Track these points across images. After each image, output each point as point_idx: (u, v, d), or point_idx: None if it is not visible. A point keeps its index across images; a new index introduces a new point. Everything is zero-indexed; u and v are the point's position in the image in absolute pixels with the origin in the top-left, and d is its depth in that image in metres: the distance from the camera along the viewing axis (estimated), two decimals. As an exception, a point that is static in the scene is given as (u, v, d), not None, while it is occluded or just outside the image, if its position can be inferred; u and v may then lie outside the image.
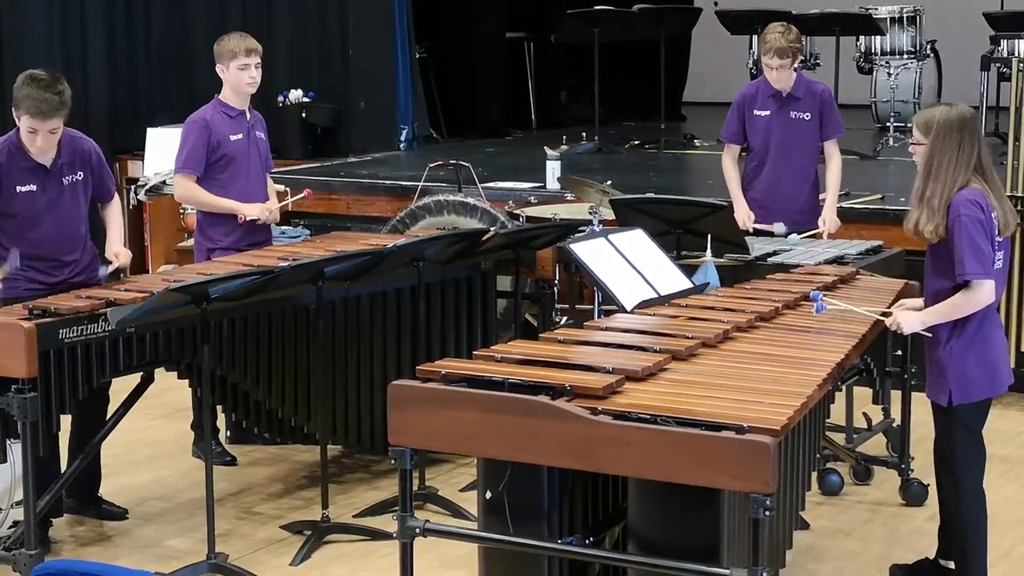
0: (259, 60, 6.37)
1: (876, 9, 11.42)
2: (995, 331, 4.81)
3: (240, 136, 6.35)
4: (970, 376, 4.72)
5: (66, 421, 5.30)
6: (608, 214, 6.52)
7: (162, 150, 9.19)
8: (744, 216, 6.67)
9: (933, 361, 4.80)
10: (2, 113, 9.74)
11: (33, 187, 5.43)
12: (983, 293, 4.61)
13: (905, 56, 11.54)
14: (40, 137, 5.33)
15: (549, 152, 8.83)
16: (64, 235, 5.52)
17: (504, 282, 6.79)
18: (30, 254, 5.43)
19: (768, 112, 6.80)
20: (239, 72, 6.31)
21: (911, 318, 4.73)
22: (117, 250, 5.66)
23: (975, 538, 4.82)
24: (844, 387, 5.94)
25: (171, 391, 6.28)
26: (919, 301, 4.93)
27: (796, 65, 6.74)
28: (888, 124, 11.05)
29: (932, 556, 5.12)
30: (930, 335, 4.74)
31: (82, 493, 5.82)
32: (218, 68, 6.38)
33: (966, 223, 4.57)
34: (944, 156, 4.63)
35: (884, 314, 4.83)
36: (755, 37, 11.36)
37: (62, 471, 5.52)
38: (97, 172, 5.66)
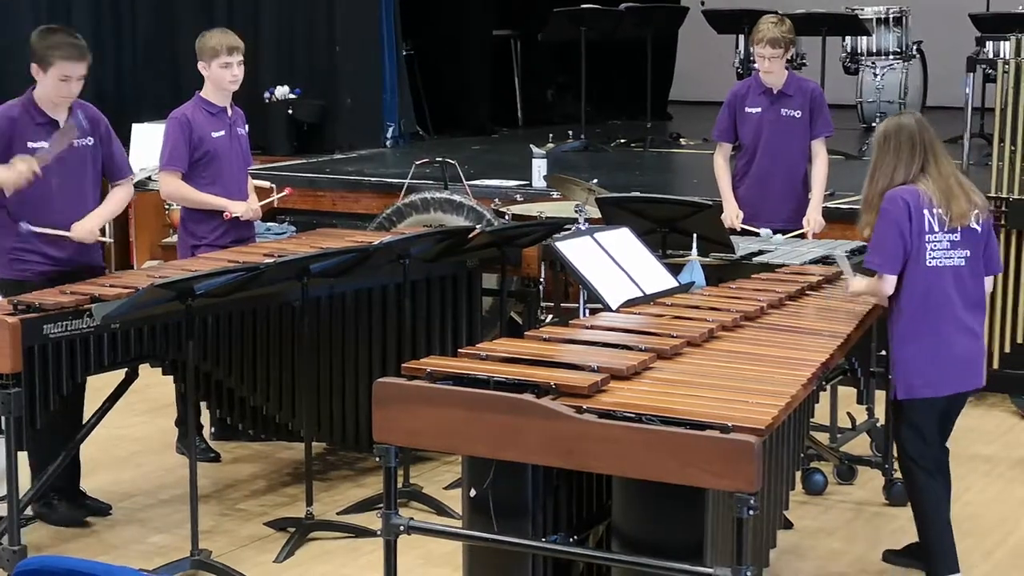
0: (241, 58, 6.35)
1: (862, 10, 11.44)
2: (947, 331, 4.87)
3: (222, 133, 6.34)
4: (912, 372, 4.87)
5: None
6: (594, 212, 6.52)
7: (147, 146, 9.19)
8: (732, 215, 6.69)
9: (891, 357, 4.97)
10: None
11: (44, 143, 5.50)
12: (882, 284, 4.84)
13: (891, 57, 11.57)
14: (73, 83, 5.49)
15: (535, 150, 8.84)
16: (70, 197, 5.60)
17: (490, 280, 6.79)
18: (38, 219, 5.50)
19: (759, 108, 6.82)
20: (221, 70, 6.29)
21: (856, 282, 4.99)
22: (89, 225, 5.64)
23: (932, 529, 4.91)
24: (828, 387, 5.96)
25: (155, 387, 6.27)
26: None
27: (786, 62, 6.76)
28: (874, 124, 11.04)
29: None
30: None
31: (64, 489, 5.81)
32: (200, 65, 6.35)
33: (883, 216, 4.82)
34: (882, 160, 4.89)
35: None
36: (742, 36, 11.38)
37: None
38: (106, 141, 5.78)
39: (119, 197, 5.89)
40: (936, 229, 4.80)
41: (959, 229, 4.84)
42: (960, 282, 4.87)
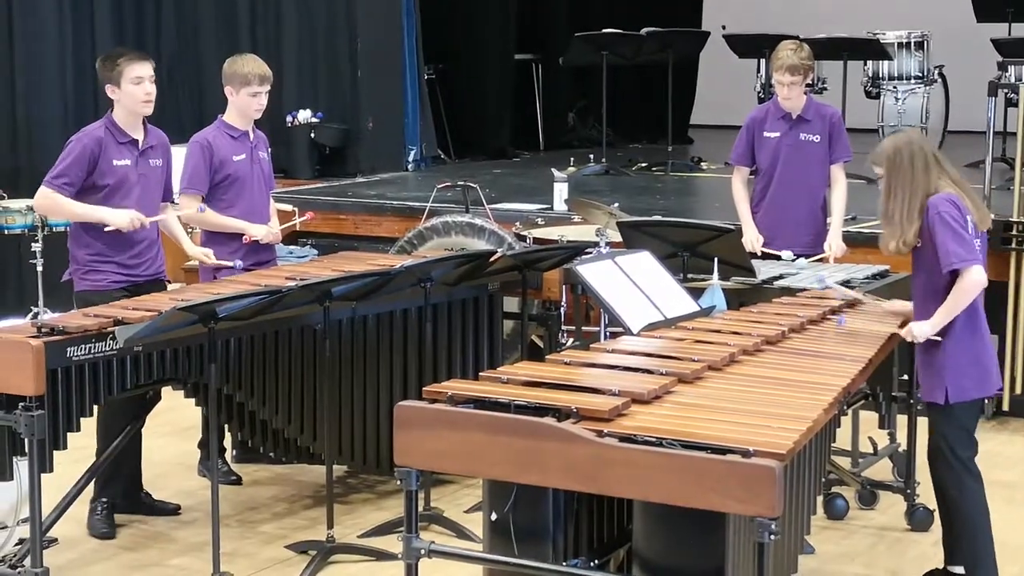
0: (269, 87, 6.41)
1: (883, 34, 11.43)
2: (981, 329, 4.99)
3: (243, 157, 6.38)
4: (965, 374, 4.91)
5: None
6: (615, 236, 6.53)
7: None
8: (752, 239, 6.69)
9: (928, 363, 4.98)
10: (14, 134, 9.84)
11: (127, 161, 5.86)
12: (973, 276, 4.81)
13: (912, 81, 11.55)
14: (147, 83, 5.84)
15: (556, 174, 8.85)
16: (146, 214, 5.88)
17: (511, 303, 6.79)
18: (118, 234, 5.80)
19: (778, 133, 6.82)
20: (249, 99, 6.33)
21: (923, 326, 4.93)
22: (204, 251, 6.23)
23: (982, 530, 4.95)
24: (850, 411, 5.95)
25: (177, 410, 6.29)
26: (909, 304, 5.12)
27: (805, 86, 6.77)
28: (894, 149, 11.04)
29: (941, 566, 5.19)
30: (940, 339, 4.91)
31: (128, 494, 6.04)
32: (227, 89, 6.39)
33: (944, 217, 4.83)
34: (897, 176, 4.94)
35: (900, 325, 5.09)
36: (763, 61, 11.39)
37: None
38: (170, 165, 6.11)
39: (175, 218, 6.27)
40: (972, 233, 4.88)
41: (981, 233, 4.95)
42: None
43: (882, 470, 6.41)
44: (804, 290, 5.78)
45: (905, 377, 5.80)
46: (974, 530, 4.96)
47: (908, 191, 4.90)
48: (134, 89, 5.82)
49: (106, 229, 5.77)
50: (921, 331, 4.93)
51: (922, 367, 5.03)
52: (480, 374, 4.24)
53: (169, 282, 6.25)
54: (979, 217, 4.94)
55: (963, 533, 5.00)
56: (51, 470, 5.04)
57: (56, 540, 5.64)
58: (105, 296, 5.70)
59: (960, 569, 5.06)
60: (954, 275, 4.82)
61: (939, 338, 4.91)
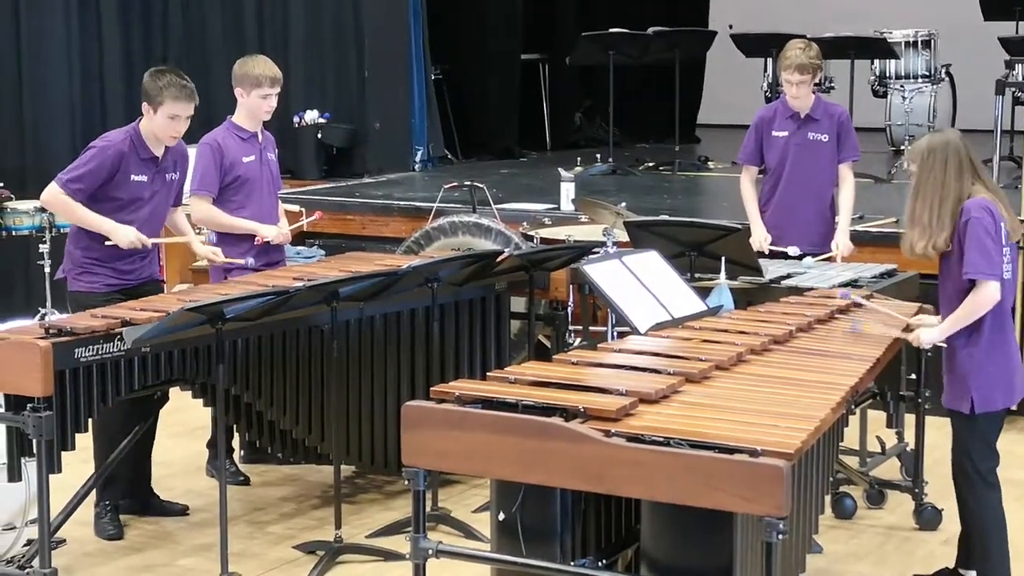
0: (279, 89, 6.41)
1: (891, 33, 11.43)
2: (1010, 340, 4.93)
3: (252, 158, 6.38)
4: (992, 384, 4.85)
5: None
6: (622, 236, 6.52)
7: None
8: (761, 238, 6.68)
9: (953, 371, 4.92)
10: (21, 135, 9.84)
11: (144, 177, 5.84)
12: (989, 291, 4.75)
13: (919, 80, 11.55)
14: (181, 123, 5.81)
15: (563, 173, 8.84)
16: (153, 227, 5.93)
17: (518, 303, 6.80)
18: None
19: (786, 133, 6.82)
20: (260, 100, 6.33)
21: (931, 332, 4.91)
22: (212, 249, 6.22)
23: (997, 539, 4.92)
24: (858, 410, 5.94)
25: (184, 410, 6.30)
26: (934, 318, 5.03)
27: (813, 86, 6.77)
28: (902, 147, 11.04)
29: (952, 566, 5.18)
30: (945, 347, 4.88)
31: (137, 494, 6.04)
32: (237, 91, 6.39)
33: (975, 225, 4.76)
34: (929, 176, 4.85)
35: (907, 328, 5.03)
36: (770, 60, 11.39)
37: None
38: (185, 174, 6.12)
39: (183, 217, 6.30)
40: (1004, 242, 4.83)
41: (1011, 242, 4.89)
42: (1012, 294, 4.95)
43: (890, 469, 6.40)
44: (811, 289, 5.77)
45: (913, 376, 5.79)
46: (988, 539, 4.93)
47: (938, 195, 4.81)
48: (165, 123, 5.78)
49: (106, 243, 5.77)
50: (929, 337, 4.91)
51: (947, 374, 4.96)
52: (487, 374, 4.24)
53: (164, 282, 6.24)
54: (1012, 226, 4.87)
55: (977, 541, 4.98)
56: (59, 471, 5.04)
57: (64, 541, 5.64)
58: (99, 299, 5.69)
59: (972, 574, 5.05)
60: (972, 283, 4.77)
61: (943, 344, 4.88)
